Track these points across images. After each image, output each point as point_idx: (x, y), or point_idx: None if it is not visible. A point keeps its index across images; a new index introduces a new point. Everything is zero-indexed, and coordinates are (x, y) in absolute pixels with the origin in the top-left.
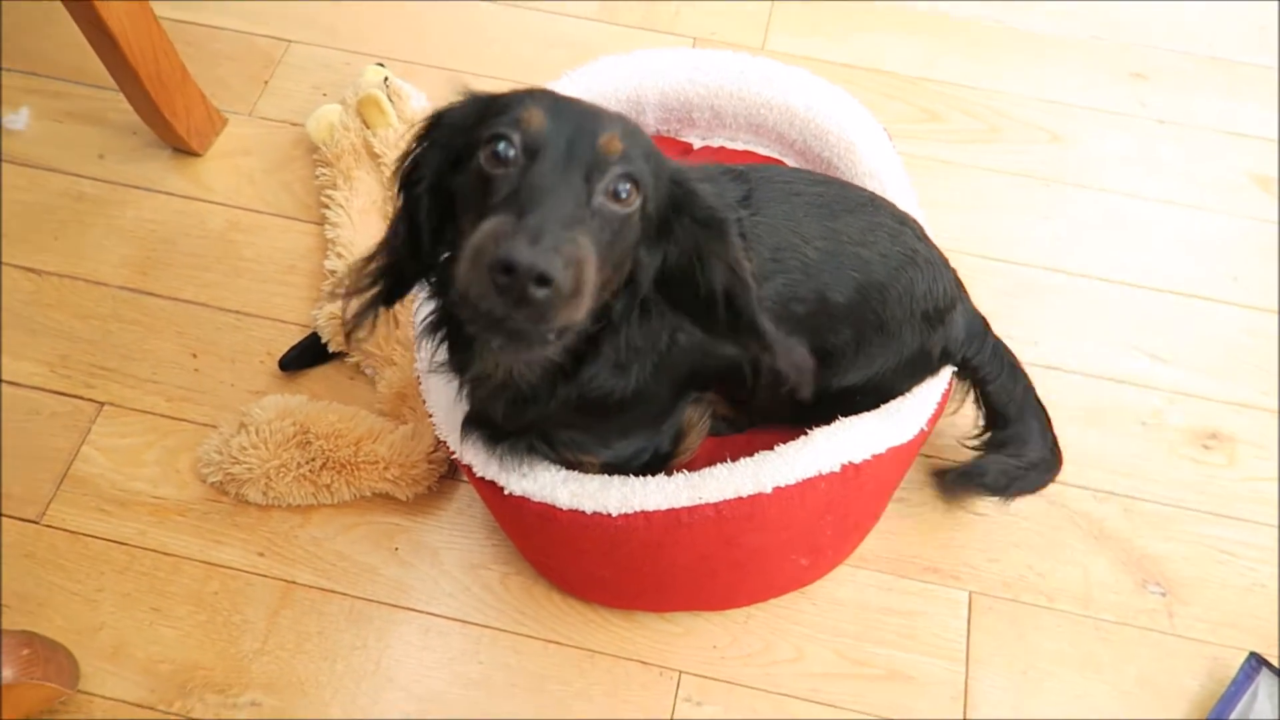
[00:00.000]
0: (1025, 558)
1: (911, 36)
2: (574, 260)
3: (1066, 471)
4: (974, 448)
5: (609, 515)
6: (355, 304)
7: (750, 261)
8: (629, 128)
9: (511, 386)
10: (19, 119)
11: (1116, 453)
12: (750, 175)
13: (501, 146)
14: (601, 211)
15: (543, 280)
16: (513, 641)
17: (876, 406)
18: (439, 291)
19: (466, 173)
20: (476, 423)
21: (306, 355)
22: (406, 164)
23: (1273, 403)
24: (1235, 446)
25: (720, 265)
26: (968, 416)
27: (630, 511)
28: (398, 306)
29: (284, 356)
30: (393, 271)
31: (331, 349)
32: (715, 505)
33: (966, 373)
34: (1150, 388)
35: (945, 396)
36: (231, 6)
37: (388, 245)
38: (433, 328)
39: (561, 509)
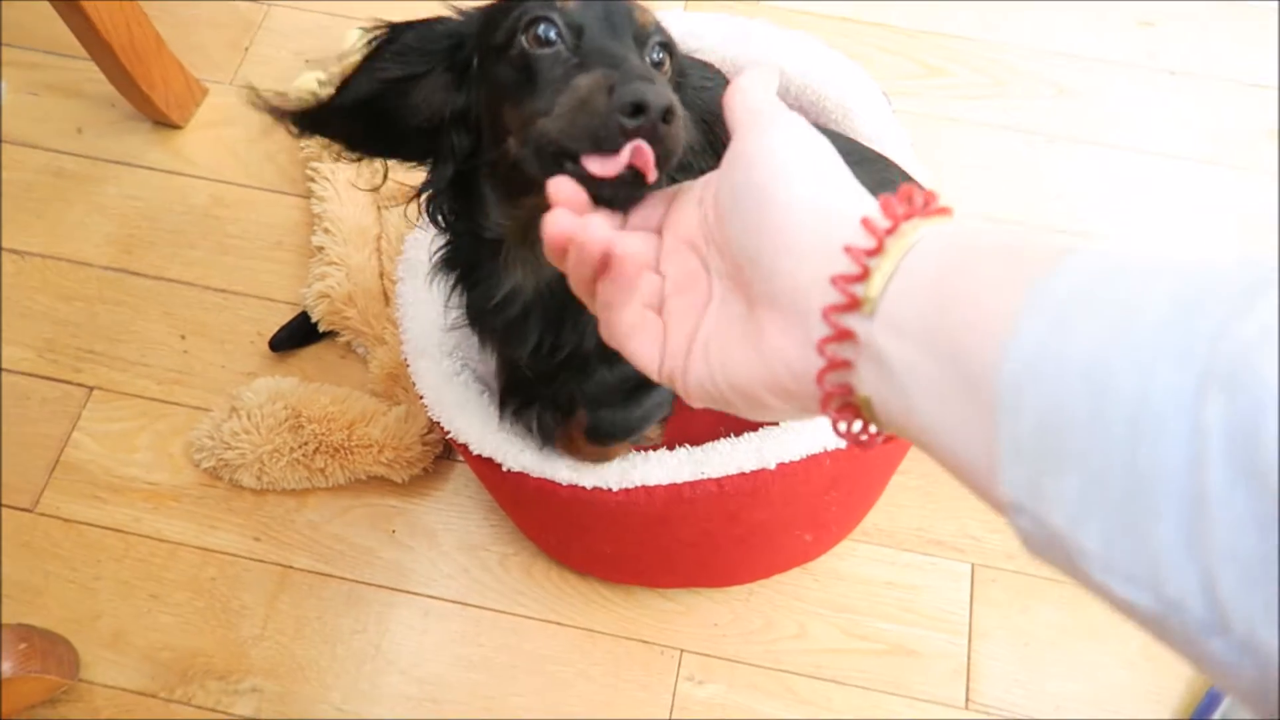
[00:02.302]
0: None
1: None
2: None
3: None
4: None
5: (609, 490)
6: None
7: None
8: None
9: (545, 300)
10: None
11: None
12: None
13: (543, 28)
14: None
15: (669, 115)
16: (513, 623)
17: None
18: (454, 215)
19: (493, 68)
20: (512, 390)
21: (297, 335)
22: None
23: None
24: None
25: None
26: None
27: (631, 486)
28: (387, 284)
29: (274, 337)
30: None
31: (321, 328)
32: (718, 480)
33: None
34: None
35: None
36: None
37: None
38: (448, 263)
39: (561, 484)
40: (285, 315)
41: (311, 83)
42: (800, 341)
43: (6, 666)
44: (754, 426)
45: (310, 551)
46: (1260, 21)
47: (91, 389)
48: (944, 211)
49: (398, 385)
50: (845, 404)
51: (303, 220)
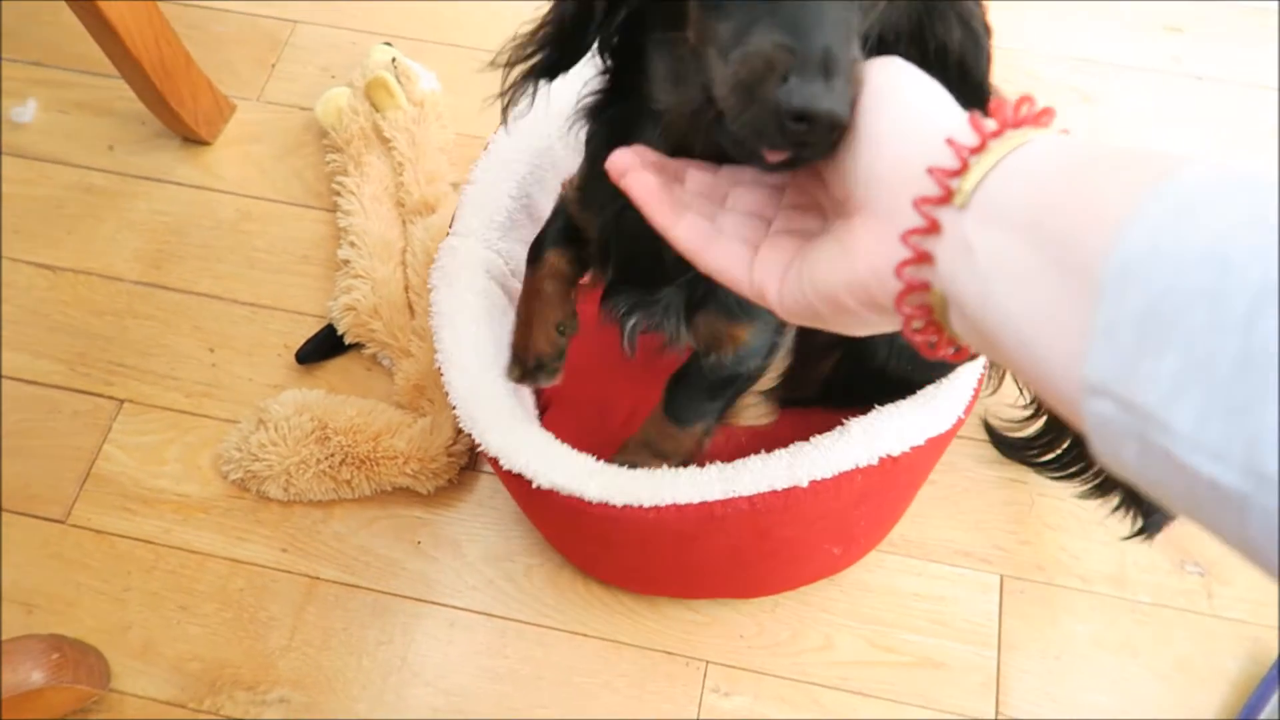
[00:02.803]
0: (1058, 539)
1: None
2: (857, 83)
3: None
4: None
5: (641, 508)
6: (514, 74)
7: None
8: None
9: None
10: (26, 111)
11: None
12: None
13: None
14: None
15: (836, 126)
16: (538, 634)
17: (908, 381)
18: (616, 69)
19: None
20: (624, 280)
21: (323, 347)
22: None
23: None
24: None
25: (952, 17)
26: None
27: (662, 504)
28: (413, 297)
29: (300, 349)
30: (559, 41)
31: (347, 340)
32: (749, 498)
33: None
34: None
35: (980, 381)
36: None
37: (555, 12)
38: (594, 113)
39: (591, 502)
40: (312, 328)
41: (339, 98)
42: (886, 237)
43: (39, 676)
44: (784, 443)
45: (336, 563)
46: None
47: (122, 402)
48: (1046, 113)
49: (423, 397)
50: (920, 304)
51: (329, 234)
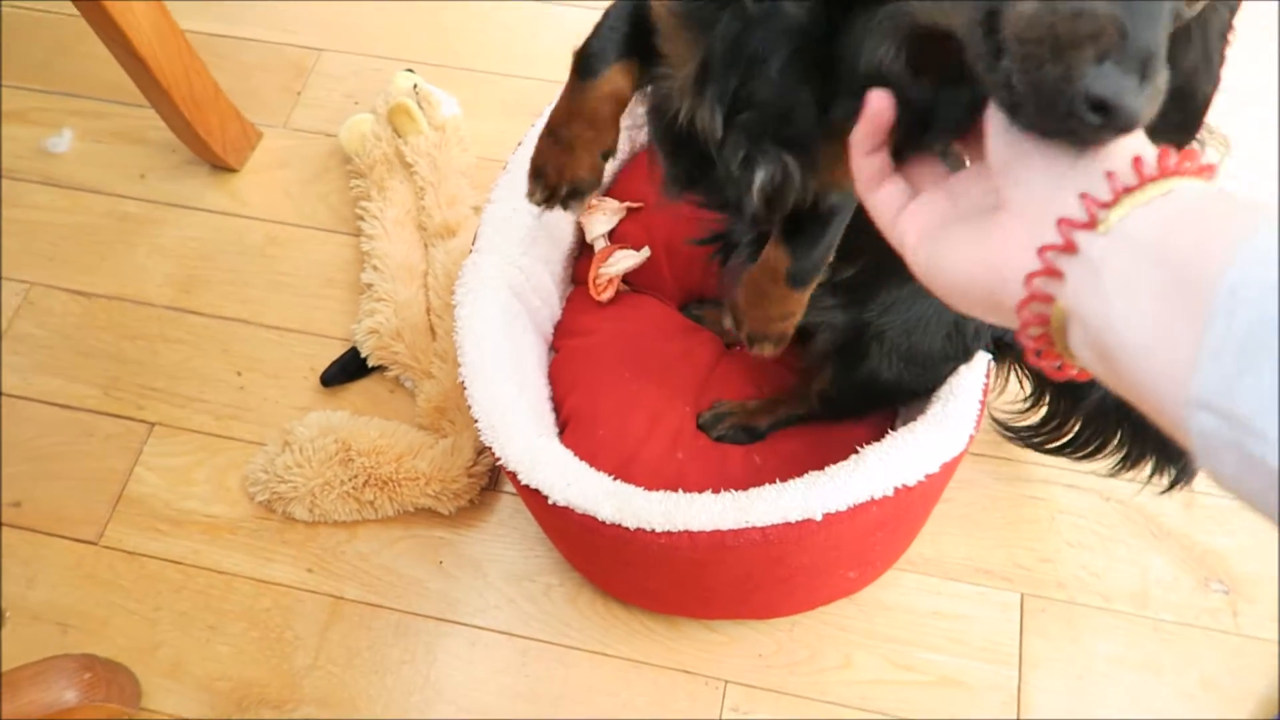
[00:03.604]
0: (1079, 557)
1: None
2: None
3: None
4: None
5: (652, 532)
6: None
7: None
8: None
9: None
10: (62, 141)
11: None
12: None
13: None
14: None
15: (1124, 130)
16: (559, 653)
17: (911, 385)
18: None
19: None
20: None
21: (347, 370)
22: None
23: None
24: None
25: (1196, 34)
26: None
27: (674, 530)
28: (434, 320)
29: (325, 372)
30: None
31: (371, 363)
32: (762, 529)
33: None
34: None
35: (986, 391)
36: (261, 17)
37: None
38: None
39: (604, 523)
40: (336, 350)
41: (362, 124)
42: (1024, 245)
43: (71, 695)
44: (799, 473)
45: (360, 582)
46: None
47: (153, 425)
48: (1206, 170)
49: (444, 418)
50: (1039, 314)
51: (353, 258)
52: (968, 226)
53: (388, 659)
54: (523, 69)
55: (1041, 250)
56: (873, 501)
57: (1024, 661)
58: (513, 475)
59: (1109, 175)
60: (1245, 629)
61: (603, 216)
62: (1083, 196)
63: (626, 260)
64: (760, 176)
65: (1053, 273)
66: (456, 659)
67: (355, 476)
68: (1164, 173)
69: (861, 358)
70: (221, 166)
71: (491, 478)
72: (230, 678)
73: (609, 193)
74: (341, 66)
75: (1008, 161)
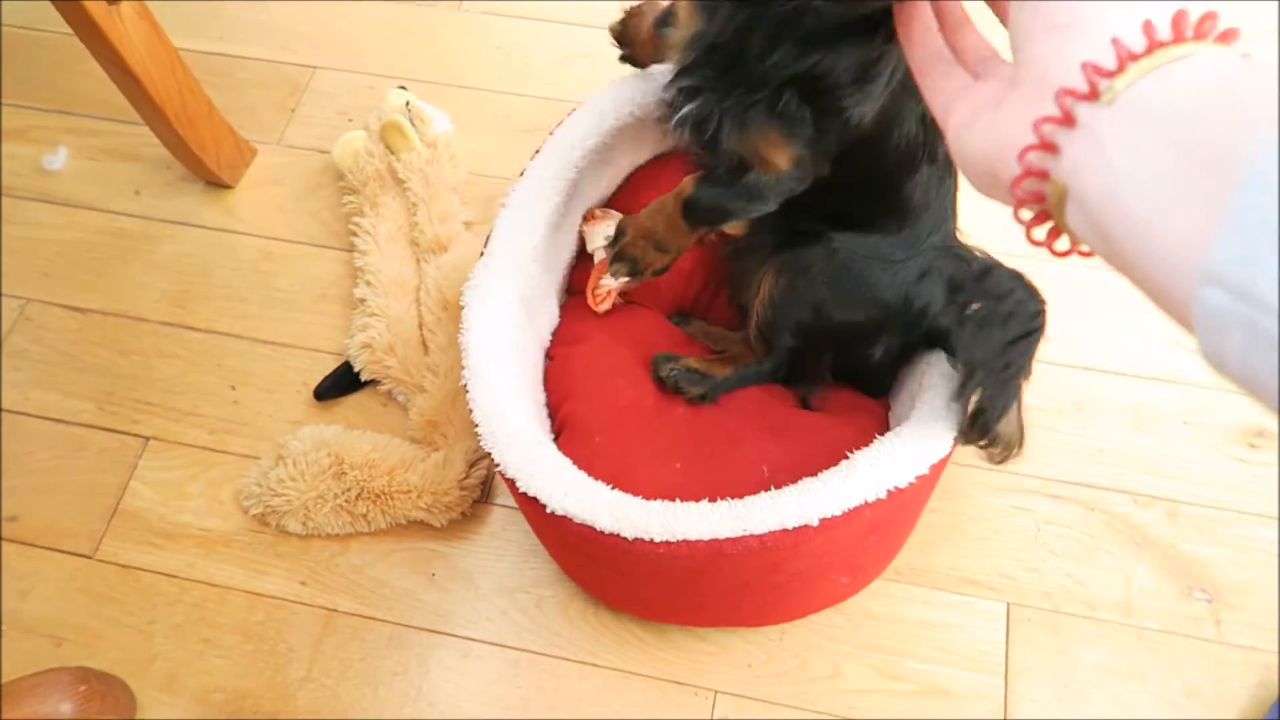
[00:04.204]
0: (1064, 566)
1: None
2: None
3: (1106, 475)
4: None
5: (651, 541)
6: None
7: None
8: None
9: None
10: (57, 159)
11: (1158, 454)
12: None
13: None
14: None
15: None
16: (550, 664)
17: (843, 317)
18: None
19: None
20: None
21: (340, 384)
22: None
23: None
24: None
25: None
26: None
27: (673, 539)
28: (426, 334)
29: (319, 386)
30: None
31: (364, 377)
32: (760, 537)
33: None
34: (1193, 385)
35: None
36: (257, 35)
37: None
38: None
39: (603, 532)
40: (330, 365)
41: (355, 141)
42: (1023, 118)
43: (67, 708)
44: (793, 479)
45: (353, 595)
46: None
47: (148, 439)
48: (1229, 35)
49: (436, 431)
50: (1034, 190)
51: (346, 273)
52: (986, 114)
53: (381, 670)
54: (515, 86)
55: (1037, 124)
56: (866, 505)
57: (1010, 670)
58: (511, 482)
59: (1114, 41)
60: (1227, 636)
61: (604, 227)
62: (1084, 65)
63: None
64: (689, 107)
65: (1047, 146)
66: (449, 670)
67: (348, 490)
68: (1178, 37)
69: (793, 274)
70: (216, 183)
71: (483, 491)
72: (225, 690)
73: (611, 203)
74: (335, 84)
75: (1022, 33)
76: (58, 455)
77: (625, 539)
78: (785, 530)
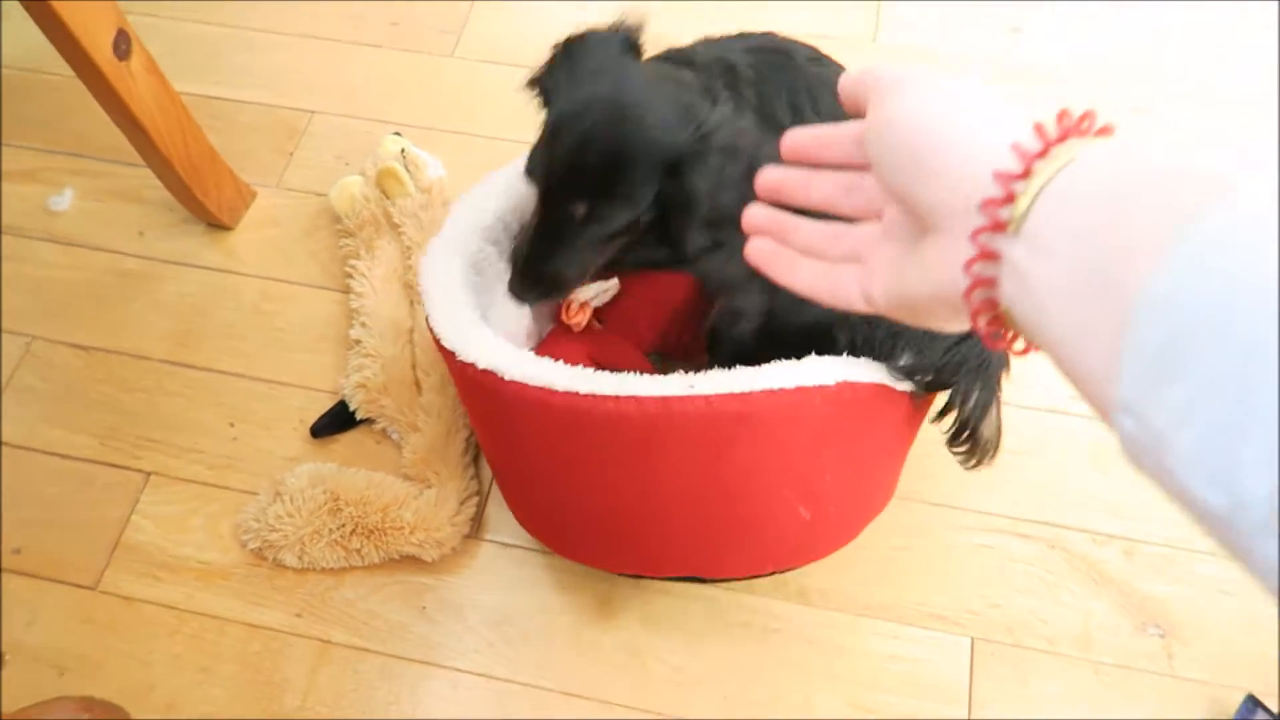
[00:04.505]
0: (1027, 602)
1: None
2: None
3: (1068, 514)
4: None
5: (603, 395)
6: None
7: None
8: None
9: None
10: (63, 200)
11: (1118, 494)
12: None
13: None
14: None
15: None
16: (536, 695)
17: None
18: None
19: None
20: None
21: (336, 422)
22: None
23: None
24: None
25: None
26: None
27: (623, 395)
28: (420, 375)
29: (315, 423)
30: None
31: (359, 416)
32: (707, 398)
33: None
34: None
35: None
36: (257, 79)
37: None
38: None
39: (558, 391)
40: (326, 403)
41: (352, 186)
42: (954, 262)
43: None
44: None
45: (347, 627)
46: (1249, 110)
47: (149, 474)
48: (1103, 131)
49: (429, 469)
50: (993, 316)
51: (342, 313)
52: (912, 264)
53: (374, 700)
54: (508, 132)
55: (966, 266)
56: (816, 389)
57: (974, 702)
58: (467, 366)
59: (995, 174)
60: (1180, 671)
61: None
62: (983, 206)
63: (595, 286)
64: None
65: (982, 283)
66: (440, 700)
67: (343, 525)
68: (1047, 144)
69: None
70: (217, 225)
71: (473, 527)
72: (222, 718)
73: None
74: (333, 128)
75: (904, 191)
76: (62, 489)
77: (579, 395)
78: (733, 394)
